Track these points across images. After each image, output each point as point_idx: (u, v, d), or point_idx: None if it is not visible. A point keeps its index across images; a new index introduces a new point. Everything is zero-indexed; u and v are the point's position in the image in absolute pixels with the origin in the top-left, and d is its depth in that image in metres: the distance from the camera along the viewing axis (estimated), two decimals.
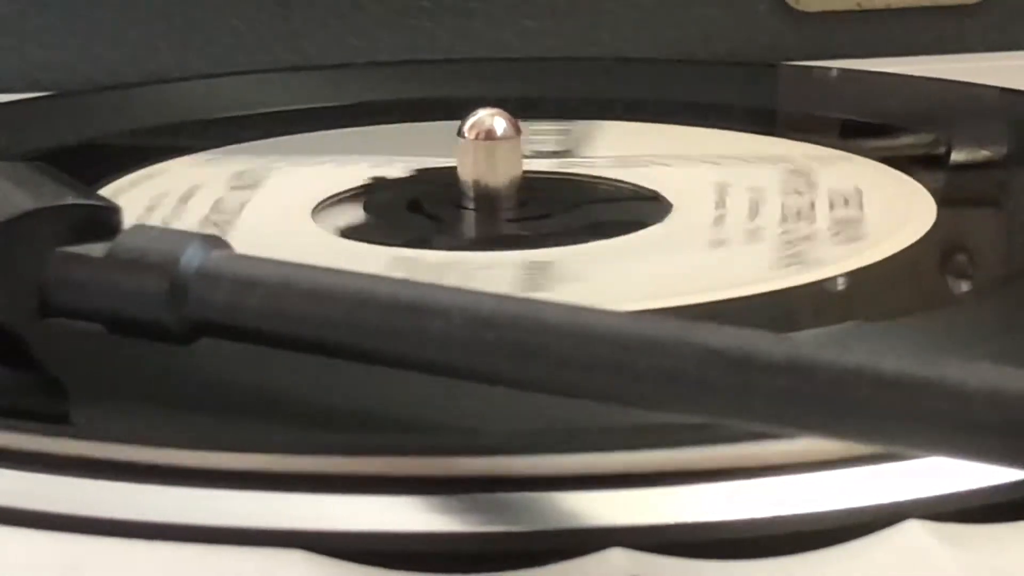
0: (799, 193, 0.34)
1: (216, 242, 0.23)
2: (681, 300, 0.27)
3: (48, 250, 0.24)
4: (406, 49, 0.51)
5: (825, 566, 0.20)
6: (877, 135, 0.39)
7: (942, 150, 0.37)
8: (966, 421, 0.18)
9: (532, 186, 0.35)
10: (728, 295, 0.28)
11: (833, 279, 0.29)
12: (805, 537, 0.20)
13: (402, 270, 0.30)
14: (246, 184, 0.36)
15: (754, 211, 0.33)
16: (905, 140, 0.38)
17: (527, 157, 0.35)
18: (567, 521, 0.20)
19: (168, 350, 0.23)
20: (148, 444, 0.21)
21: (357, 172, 0.37)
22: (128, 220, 0.25)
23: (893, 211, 0.33)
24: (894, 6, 0.52)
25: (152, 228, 0.24)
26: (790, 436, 0.20)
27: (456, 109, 0.35)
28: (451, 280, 0.21)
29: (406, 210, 0.34)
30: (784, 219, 0.32)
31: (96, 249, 0.23)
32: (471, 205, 0.34)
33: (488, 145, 0.34)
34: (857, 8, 0.52)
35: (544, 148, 0.38)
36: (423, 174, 0.36)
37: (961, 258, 0.31)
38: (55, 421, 0.23)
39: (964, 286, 0.30)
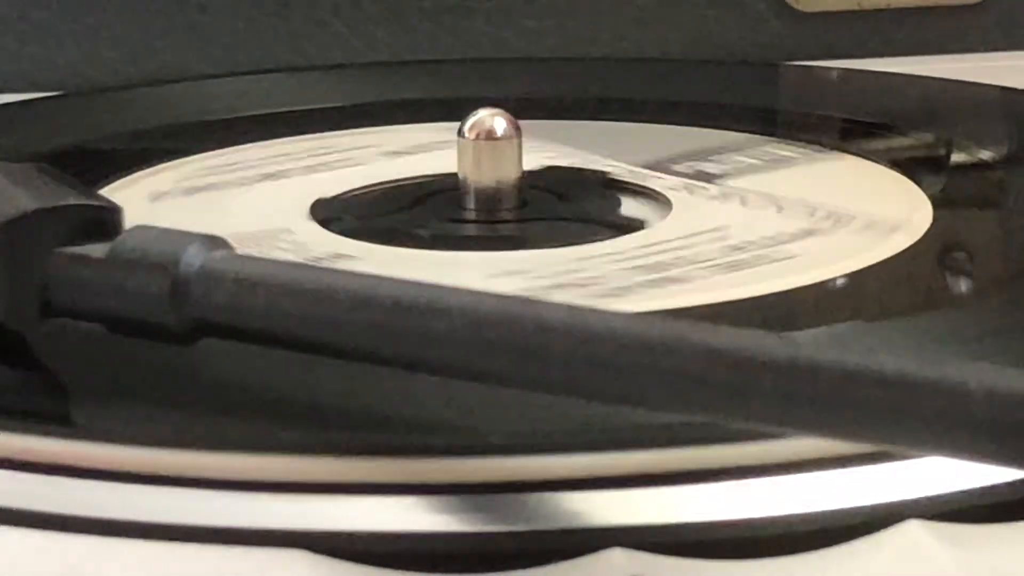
0: (799, 192, 0.34)
1: (217, 242, 0.23)
2: (683, 301, 0.27)
3: (49, 250, 0.24)
4: (406, 49, 0.51)
5: (825, 566, 0.20)
6: (877, 135, 0.39)
7: (942, 150, 0.37)
8: (966, 421, 0.18)
9: (532, 186, 0.35)
10: (728, 296, 0.28)
11: (832, 279, 0.29)
12: (805, 537, 0.20)
13: (402, 270, 0.30)
14: (246, 184, 0.36)
15: (753, 211, 0.33)
16: (905, 140, 0.38)
17: (527, 157, 0.35)
18: (567, 521, 0.20)
19: (168, 350, 0.23)
20: (148, 444, 0.21)
21: (357, 172, 0.37)
22: (128, 221, 0.25)
23: (892, 211, 0.33)
24: (894, 6, 0.52)
25: (152, 228, 0.24)
26: (790, 436, 0.20)
27: (456, 109, 0.35)
28: (451, 280, 0.21)
29: (406, 210, 0.34)
30: (784, 219, 0.32)
31: (97, 249, 0.23)
32: (471, 205, 0.34)
33: (488, 145, 0.34)
34: (857, 8, 0.52)
35: (544, 148, 0.38)
36: (423, 174, 0.36)
37: (961, 258, 0.31)
38: (55, 421, 0.23)
39: (965, 286, 0.30)
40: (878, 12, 0.52)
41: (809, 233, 0.31)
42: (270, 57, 0.51)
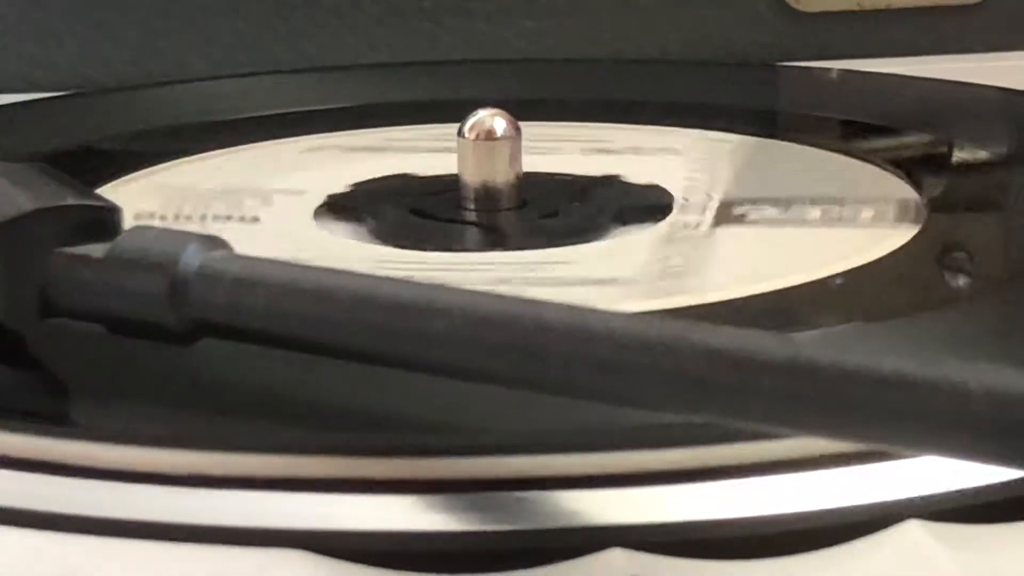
0: (799, 192, 0.34)
1: (216, 242, 0.23)
2: (683, 300, 0.27)
3: (48, 250, 0.24)
4: (406, 50, 0.51)
5: (824, 566, 0.20)
6: (877, 135, 0.39)
7: (942, 150, 0.37)
8: (966, 421, 0.18)
9: (532, 186, 0.35)
10: (726, 295, 0.28)
11: (831, 278, 0.29)
12: (805, 537, 0.20)
13: (402, 270, 0.30)
14: (246, 185, 0.36)
15: (753, 210, 0.33)
16: (905, 140, 0.38)
17: (526, 157, 0.35)
18: (567, 521, 0.20)
19: (168, 350, 0.23)
20: (148, 444, 0.21)
21: (357, 173, 0.37)
22: (128, 221, 0.25)
23: (892, 211, 0.33)
24: (894, 6, 0.52)
25: (152, 228, 0.24)
26: (790, 436, 0.20)
27: (456, 109, 0.35)
28: (451, 280, 0.21)
29: (406, 211, 0.34)
30: (783, 218, 0.32)
31: (96, 249, 0.23)
32: (471, 206, 0.34)
33: (488, 145, 0.34)
34: (857, 8, 0.52)
35: (544, 148, 0.38)
36: (423, 175, 0.36)
37: (961, 258, 0.31)
38: (55, 421, 0.23)
39: (964, 286, 0.30)
40: (878, 12, 0.52)
41: (809, 233, 0.31)
42: (270, 57, 0.51)
